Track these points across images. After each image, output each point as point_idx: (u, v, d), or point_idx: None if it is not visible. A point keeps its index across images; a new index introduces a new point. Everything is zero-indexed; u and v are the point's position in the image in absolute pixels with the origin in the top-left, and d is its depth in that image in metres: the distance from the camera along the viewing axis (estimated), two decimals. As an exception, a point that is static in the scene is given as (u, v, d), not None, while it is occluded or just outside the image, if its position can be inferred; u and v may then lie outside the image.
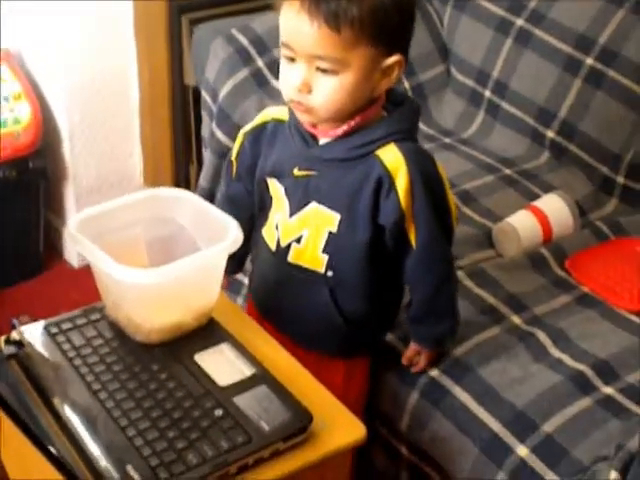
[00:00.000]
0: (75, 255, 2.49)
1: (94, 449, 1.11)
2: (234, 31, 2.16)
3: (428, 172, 1.34)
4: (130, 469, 1.09)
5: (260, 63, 2.14)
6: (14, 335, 1.27)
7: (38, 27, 2.30)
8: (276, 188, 1.43)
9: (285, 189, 1.41)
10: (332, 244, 1.38)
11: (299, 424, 1.15)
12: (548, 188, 1.98)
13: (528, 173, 2.06)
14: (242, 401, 1.18)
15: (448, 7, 2.32)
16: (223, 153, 2.13)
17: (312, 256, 1.40)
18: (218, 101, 2.11)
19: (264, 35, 2.17)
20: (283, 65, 1.31)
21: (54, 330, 1.31)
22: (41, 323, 1.33)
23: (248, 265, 1.61)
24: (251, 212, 1.51)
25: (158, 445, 1.11)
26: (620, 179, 1.99)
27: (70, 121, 2.38)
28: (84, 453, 1.11)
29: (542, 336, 1.55)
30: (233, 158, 1.52)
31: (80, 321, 1.33)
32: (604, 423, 1.38)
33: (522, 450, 1.36)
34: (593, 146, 2.02)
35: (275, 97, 2.09)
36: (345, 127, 1.32)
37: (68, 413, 1.17)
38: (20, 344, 1.27)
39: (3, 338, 1.28)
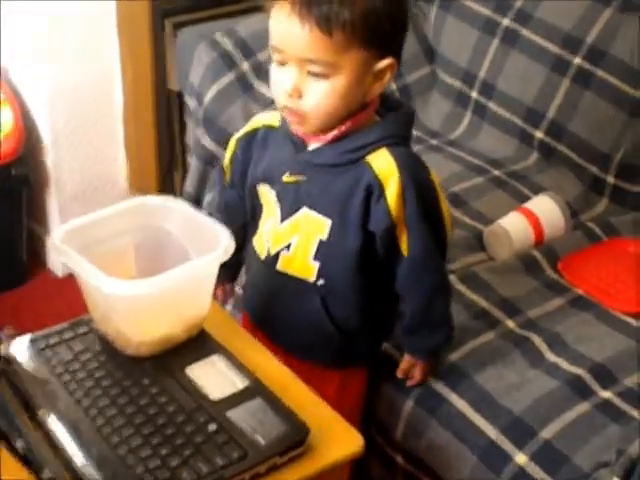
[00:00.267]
0: (59, 264, 2.46)
1: (85, 468, 1.08)
2: (218, 35, 2.14)
3: (421, 179, 1.31)
4: (123, 488, 1.06)
5: (245, 67, 2.11)
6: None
7: (19, 32, 2.26)
8: (267, 194, 1.41)
9: (276, 195, 1.39)
10: (323, 252, 1.36)
11: (296, 437, 1.12)
12: (538, 189, 1.97)
13: (517, 174, 2.05)
14: (236, 415, 1.15)
15: (434, 7, 2.30)
16: (209, 159, 2.11)
17: (302, 264, 1.38)
18: (203, 106, 2.09)
19: (248, 39, 2.15)
20: (273, 69, 1.28)
21: (41, 345, 1.27)
22: (27, 337, 1.29)
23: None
24: (245, 219, 1.50)
25: (151, 463, 1.08)
26: (610, 179, 1.98)
27: (53, 127, 2.35)
28: (75, 472, 1.08)
29: (537, 340, 1.53)
30: (225, 165, 1.50)
31: (67, 335, 1.30)
32: (603, 428, 1.36)
33: (521, 457, 1.34)
34: (582, 146, 2.01)
35: (260, 102, 2.08)
36: (335, 132, 1.30)
37: (58, 431, 1.14)
38: (6, 360, 1.23)
39: (-12, 354, 1.25)
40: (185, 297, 1.25)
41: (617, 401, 1.41)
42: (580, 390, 1.43)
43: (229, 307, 1.89)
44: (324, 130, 1.30)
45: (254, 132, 1.44)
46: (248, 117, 2.03)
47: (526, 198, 1.93)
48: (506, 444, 1.37)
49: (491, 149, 2.14)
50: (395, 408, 1.49)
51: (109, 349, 1.26)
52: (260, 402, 1.17)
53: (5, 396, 1.18)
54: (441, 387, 1.47)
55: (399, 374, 1.47)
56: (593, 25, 2.00)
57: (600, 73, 1.98)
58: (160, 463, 1.08)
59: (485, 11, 2.18)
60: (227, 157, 1.50)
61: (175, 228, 1.32)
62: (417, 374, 1.46)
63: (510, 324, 1.57)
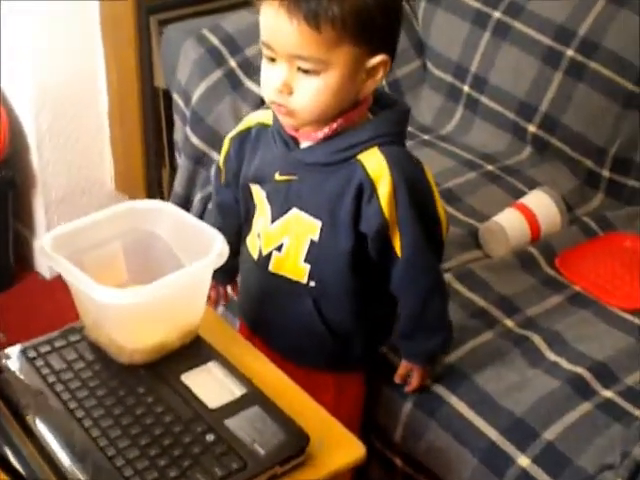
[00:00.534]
0: (47, 266, 2.43)
1: (81, 482, 1.06)
2: (205, 31, 2.10)
3: (414, 178, 1.28)
4: (120, 502, 1.03)
5: (233, 63, 2.08)
6: (-11, 360, 1.22)
7: (3, 33, 2.23)
8: (259, 194, 1.39)
9: (267, 194, 1.37)
10: (314, 253, 1.33)
11: (296, 446, 1.10)
12: (532, 184, 1.95)
13: (511, 169, 2.02)
14: (234, 424, 1.12)
15: (422, 0, 2.27)
16: (198, 158, 2.07)
17: (293, 265, 1.35)
18: (191, 104, 2.06)
19: (235, 34, 2.11)
20: (264, 65, 1.26)
21: (32, 354, 1.24)
22: (17, 347, 1.26)
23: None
24: (240, 221, 1.47)
25: (148, 475, 1.05)
26: (605, 173, 1.96)
27: (38, 128, 2.31)
28: (70, 486, 1.05)
29: (537, 339, 1.51)
30: (221, 164, 1.48)
31: (59, 343, 1.27)
32: (606, 429, 1.34)
33: (523, 460, 1.32)
34: (576, 139, 1.99)
35: (249, 99, 2.04)
36: (327, 130, 1.28)
37: (51, 443, 1.11)
38: (-3, 369, 1.21)
39: (-23, 365, 1.22)
40: (179, 304, 1.22)
41: (619, 400, 1.39)
42: (581, 390, 1.41)
43: (221, 309, 1.86)
44: (315, 126, 1.28)
45: (247, 130, 1.41)
46: (237, 115, 2.02)
47: (520, 193, 1.91)
48: (507, 446, 1.35)
49: (483, 143, 2.11)
50: (394, 410, 1.47)
51: (102, 357, 1.24)
52: (258, 410, 1.15)
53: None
54: (440, 388, 1.44)
55: (396, 379, 1.44)
56: (586, 17, 1.98)
57: (593, 65, 1.96)
58: (158, 475, 1.05)
59: (475, 4, 2.15)
60: (221, 156, 1.47)
61: (165, 232, 1.30)
62: (414, 380, 1.43)
63: (509, 323, 1.55)
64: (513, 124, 2.08)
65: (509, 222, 1.77)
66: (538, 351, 1.49)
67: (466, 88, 2.17)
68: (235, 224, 1.48)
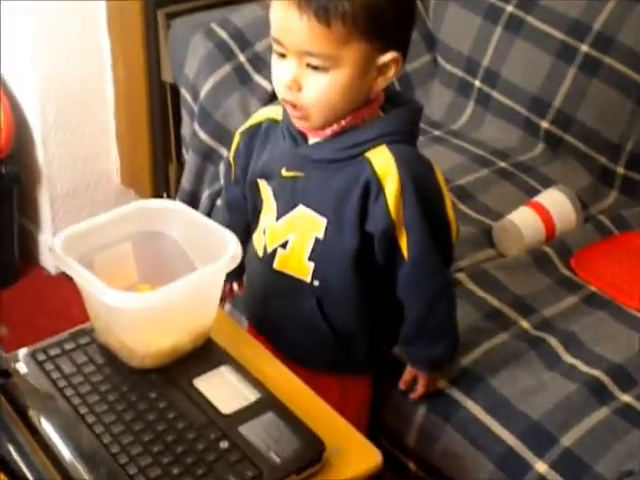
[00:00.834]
0: (52, 261, 2.41)
1: (92, 490, 1.04)
2: (214, 25, 2.07)
3: (422, 178, 1.26)
4: (132, 511, 1.01)
5: (242, 58, 2.05)
6: (-2, 364, 1.19)
7: (7, 27, 2.20)
8: (265, 190, 1.37)
9: (273, 191, 1.35)
10: (318, 251, 1.31)
11: (312, 454, 1.07)
12: (545, 181, 1.92)
13: (523, 165, 2.00)
14: (248, 430, 1.10)
15: (433, -6, 2.25)
16: (206, 153, 2.05)
17: (298, 263, 1.33)
18: (199, 99, 2.03)
19: (244, 28, 2.08)
20: (274, 61, 1.24)
21: (41, 357, 1.22)
22: (26, 350, 1.24)
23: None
24: (248, 218, 1.45)
25: (161, 483, 1.04)
26: (620, 169, 1.93)
27: (43, 123, 2.29)
28: (81, 495, 1.03)
29: (553, 341, 1.48)
30: (231, 159, 1.46)
31: (68, 346, 1.24)
32: (625, 434, 1.32)
33: (541, 466, 1.30)
34: (590, 136, 1.96)
35: (258, 94, 2.02)
36: (335, 126, 1.25)
37: (62, 450, 1.09)
38: (6, 373, 1.18)
39: (-15, 368, 1.19)
40: (191, 307, 1.20)
41: (637, 405, 1.37)
42: (599, 393, 1.39)
43: (228, 307, 1.84)
44: (327, 125, 1.25)
45: (258, 125, 1.39)
46: (246, 110, 2.00)
47: (533, 190, 1.88)
48: (525, 451, 1.32)
49: (495, 139, 2.08)
50: (407, 414, 1.44)
51: (112, 361, 1.21)
52: (272, 416, 1.13)
53: (5, 412, 1.13)
54: (454, 392, 1.42)
55: (401, 385, 1.41)
56: (600, 11, 1.95)
57: (608, 60, 1.93)
58: (171, 484, 1.03)
59: (487, -3, 2.12)
60: (232, 151, 1.45)
61: (176, 232, 1.28)
62: (419, 387, 1.40)
63: (524, 324, 1.53)
64: (525, 120, 2.05)
65: (523, 221, 1.74)
66: (554, 353, 1.46)
67: (477, 83, 2.14)
68: (243, 221, 1.46)
